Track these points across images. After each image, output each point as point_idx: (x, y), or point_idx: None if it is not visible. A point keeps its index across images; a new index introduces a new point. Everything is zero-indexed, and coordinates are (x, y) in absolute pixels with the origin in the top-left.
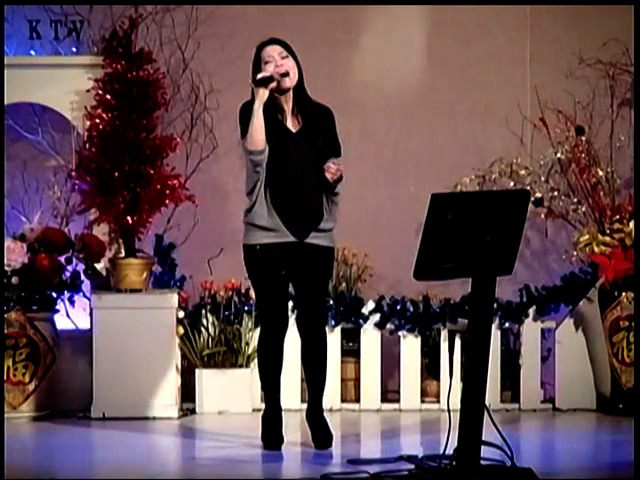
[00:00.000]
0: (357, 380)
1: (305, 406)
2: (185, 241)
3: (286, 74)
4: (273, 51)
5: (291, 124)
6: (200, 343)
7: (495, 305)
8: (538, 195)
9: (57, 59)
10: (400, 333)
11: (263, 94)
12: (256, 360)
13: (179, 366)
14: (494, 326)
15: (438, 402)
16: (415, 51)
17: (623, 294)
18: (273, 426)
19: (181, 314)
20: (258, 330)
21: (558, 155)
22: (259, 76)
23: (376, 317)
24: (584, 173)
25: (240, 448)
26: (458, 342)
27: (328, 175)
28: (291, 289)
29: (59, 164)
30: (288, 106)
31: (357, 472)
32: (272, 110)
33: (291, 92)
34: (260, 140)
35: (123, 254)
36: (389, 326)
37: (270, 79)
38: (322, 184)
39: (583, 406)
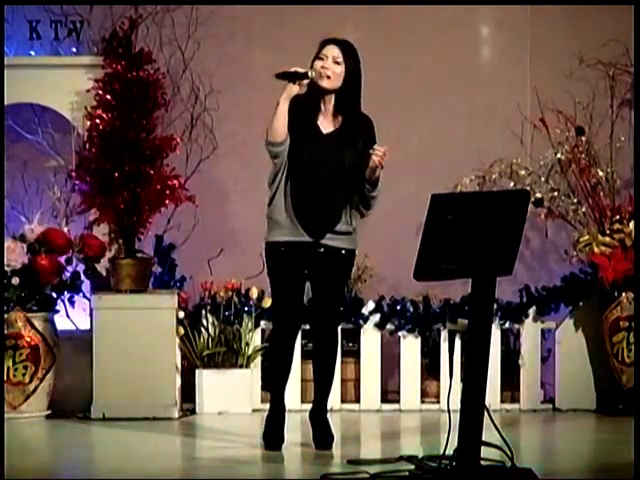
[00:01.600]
0: (357, 380)
1: (305, 406)
2: (185, 241)
3: (320, 76)
4: (331, 52)
5: (323, 125)
6: (200, 343)
7: (495, 305)
8: (538, 195)
9: (57, 59)
10: (400, 333)
11: (290, 89)
12: (257, 360)
13: (179, 366)
14: (494, 326)
15: (438, 402)
16: (415, 51)
17: (623, 294)
18: (276, 426)
19: (181, 314)
20: (258, 330)
21: (558, 155)
22: (291, 69)
23: (376, 317)
24: (584, 173)
25: (240, 448)
26: (458, 342)
27: (375, 158)
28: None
29: (59, 164)
30: (326, 107)
31: (357, 472)
32: (306, 107)
33: (333, 95)
34: (280, 132)
35: (123, 254)
36: (389, 326)
37: (296, 75)
38: (360, 186)
39: (583, 406)
